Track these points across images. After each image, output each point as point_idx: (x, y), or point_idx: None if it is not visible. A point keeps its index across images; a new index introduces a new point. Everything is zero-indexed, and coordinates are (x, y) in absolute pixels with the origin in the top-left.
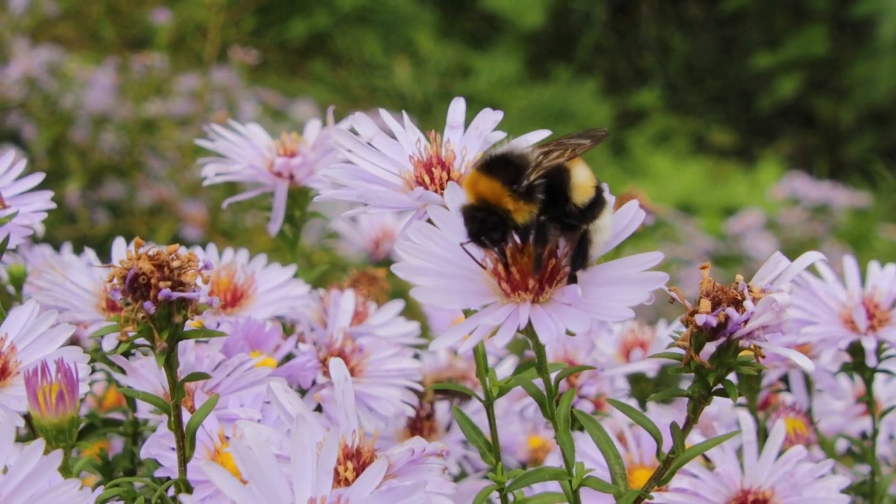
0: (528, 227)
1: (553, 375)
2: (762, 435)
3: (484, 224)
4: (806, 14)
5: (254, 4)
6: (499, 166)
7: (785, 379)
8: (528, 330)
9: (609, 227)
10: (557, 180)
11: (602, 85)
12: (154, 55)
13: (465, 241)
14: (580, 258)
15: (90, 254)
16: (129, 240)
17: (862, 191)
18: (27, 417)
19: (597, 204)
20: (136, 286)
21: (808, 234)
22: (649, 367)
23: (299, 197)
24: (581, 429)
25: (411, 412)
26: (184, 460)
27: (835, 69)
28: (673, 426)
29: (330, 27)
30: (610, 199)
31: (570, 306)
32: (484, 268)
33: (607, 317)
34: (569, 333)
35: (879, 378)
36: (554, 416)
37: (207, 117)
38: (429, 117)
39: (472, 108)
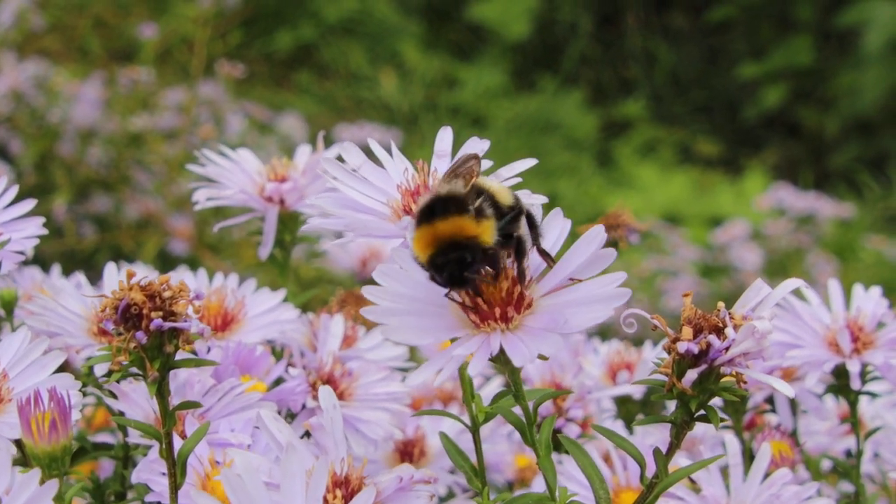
0: (494, 250)
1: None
2: (747, 456)
3: (462, 262)
4: (791, 24)
5: (239, 17)
6: (443, 205)
7: (770, 400)
8: (501, 357)
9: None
10: (485, 193)
11: (588, 96)
12: (140, 69)
13: (444, 290)
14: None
15: (80, 277)
16: (116, 254)
17: (847, 201)
18: (18, 443)
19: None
20: (129, 316)
21: (794, 244)
22: (635, 390)
23: (289, 221)
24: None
25: (400, 435)
26: (175, 487)
27: (820, 79)
28: (656, 451)
29: (316, 39)
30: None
31: (541, 329)
32: (458, 301)
33: (572, 331)
34: (541, 357)
35: (864, 397)
36: (535, 442)
37: (194, 131)
38: (415, 128)
39: (458, 120)
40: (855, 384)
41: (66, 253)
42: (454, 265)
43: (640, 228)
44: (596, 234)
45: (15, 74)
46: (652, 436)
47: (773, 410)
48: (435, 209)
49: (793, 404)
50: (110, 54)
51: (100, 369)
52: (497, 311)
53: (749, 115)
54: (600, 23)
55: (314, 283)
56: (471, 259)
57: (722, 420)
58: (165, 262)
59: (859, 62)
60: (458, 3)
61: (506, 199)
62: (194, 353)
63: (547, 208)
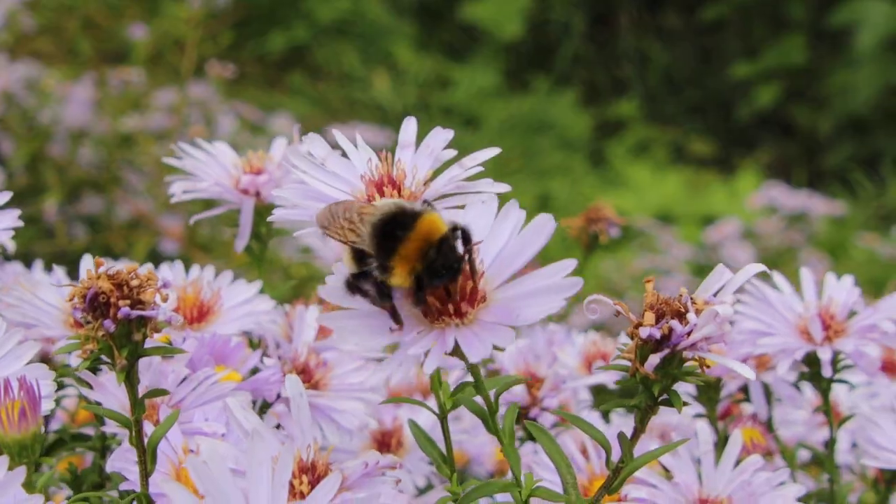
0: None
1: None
2: (723, 444)
3: (454, 250)
4: (784, 23)
5: (231, 19)
6: (409, 215)
7: (745, 389)
8: (458, 352)
9: None
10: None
11: (581, 96)
12: (131, 70)
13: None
14: None
15: (60, 271)
16: (107, 255)
17: (840, 200)
18: None
19: None
20: (96, 305)
21: (786, 243)
22: (610, 379)
23: (266, 213)
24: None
25: (375, 425)
26: (145, 475)
27: (813, 78)
28: (620, 436)
29: (308, 40)
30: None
31: (494, 323)
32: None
33: (524, 323)
34: (496, 349)
35: (843, 387)
36: (497, 431)
37: (185, 132)
38: None
39: (451, 121)
40: (826, 372)
41: (56, 253)
42: (452, 254)
43: (619, 222)
44: (544, 222)
45: (6, 75)
46: (627, 426)
47: (748, 399)
48: (403, 222)
49: (767, 393)
50: (101, 56)
51: (74, 361)
52: (450, 306)
53: (742, 115)
54: (593, 22)
55: (305, 280)
56: (451, 253)
57: (685, 404)
58: (157, 262)
59: (852, 61)
60: (450, 4)
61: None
62: (169, 342)
63: (540, 208)
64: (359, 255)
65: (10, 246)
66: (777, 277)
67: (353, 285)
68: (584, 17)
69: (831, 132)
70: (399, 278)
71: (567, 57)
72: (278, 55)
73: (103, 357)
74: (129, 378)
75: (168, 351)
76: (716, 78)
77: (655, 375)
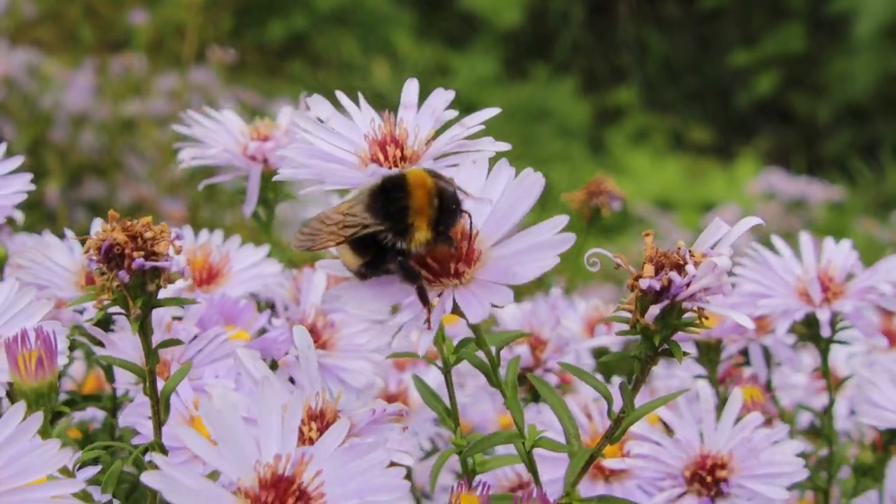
0: None
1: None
2: (723, 405)
3: (448, 192)
4: (783, 11)
5: (232, 5)
6: (398, 179)
7: (745, 352)
8: (457, 311)
9: None
10: None
11: (580, 84)
12: (132, 56)
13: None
14: None
15: (69, 234)
16: None
17: (839, 186)
18: (9, 392)
19: None
20: (111, 256)
21: (785, 228)
22: (612, 342)
23: (272, 180)
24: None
25: (381, 384)
26: (159, 424)
27: (812, 66)
28: (622, 386)
29: (308, 28)
30: None
31: (490, 282)
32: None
33: (521, 282)
34: (494, 307)
35: (842, 354)
36: (500, 384)
37: None
38: None
39: (451, 108)
40: (825, 332)
41: (58, 237)
42: (452, 189)
43: (621, 195)
44: (534, 179)
45: (6, 61)
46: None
47: (748, 363)
48: (396, 184)
49: (767, 356)
50: (102, 44)
51: (89, 314)
52: (450, 266)
53: (741, 103)
54: (592, 11)
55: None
56: (453, 202)
57: (686, 353)
58: None
59: (851, 49)
60: None
61: None
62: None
63: (540, 197)
64: (360, 245)
65: (19, 216)
66: (777, 241)
67: (367, 274)
68: (582, 6)
69: (830, 119)
70: (422, 232)
71: (566, 45)
72: (278, 43)
73: (118, 308)
74: (143, 328)
75: (181, 301)
76: (715, 66)
77: (655, 326)
